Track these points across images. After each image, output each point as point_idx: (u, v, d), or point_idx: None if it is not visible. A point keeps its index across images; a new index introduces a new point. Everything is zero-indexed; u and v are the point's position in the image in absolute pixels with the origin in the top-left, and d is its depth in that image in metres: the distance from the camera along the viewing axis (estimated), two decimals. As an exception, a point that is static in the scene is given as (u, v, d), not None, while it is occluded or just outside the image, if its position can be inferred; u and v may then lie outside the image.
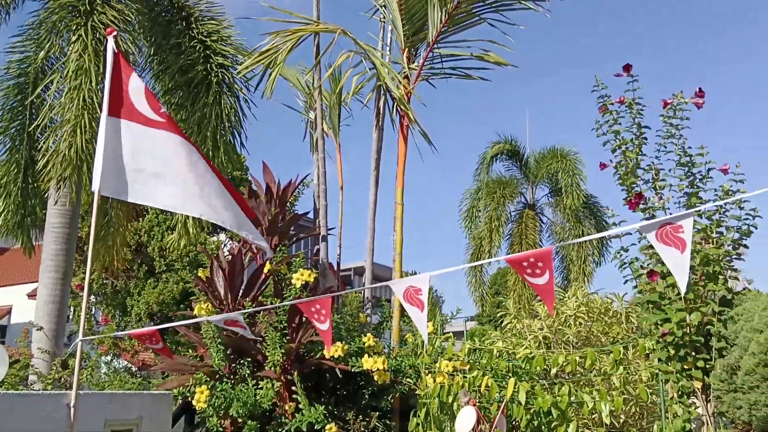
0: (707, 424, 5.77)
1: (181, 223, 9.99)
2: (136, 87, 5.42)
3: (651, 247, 6.22)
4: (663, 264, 6.12)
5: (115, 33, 5.73)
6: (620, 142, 6.37)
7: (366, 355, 6.99)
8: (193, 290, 14.88)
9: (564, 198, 19.98)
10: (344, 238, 9.76)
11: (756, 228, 6.02)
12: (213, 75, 9.30)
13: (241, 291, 7.43)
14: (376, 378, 6.99)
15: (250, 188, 8.15)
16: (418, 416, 7.00)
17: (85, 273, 15.65)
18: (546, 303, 4.39)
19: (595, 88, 6.42)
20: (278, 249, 7.94)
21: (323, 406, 6.69)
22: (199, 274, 7.68)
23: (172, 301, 18.79)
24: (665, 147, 6.20)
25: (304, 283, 7.09)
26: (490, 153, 20.81)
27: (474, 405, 6.26)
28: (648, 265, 6.13)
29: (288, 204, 8.70)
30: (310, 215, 9.22)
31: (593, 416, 6.66)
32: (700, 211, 5.88)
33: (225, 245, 18.29)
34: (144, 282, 18.59)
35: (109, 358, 15.30)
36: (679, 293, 6.03)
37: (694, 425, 5.87)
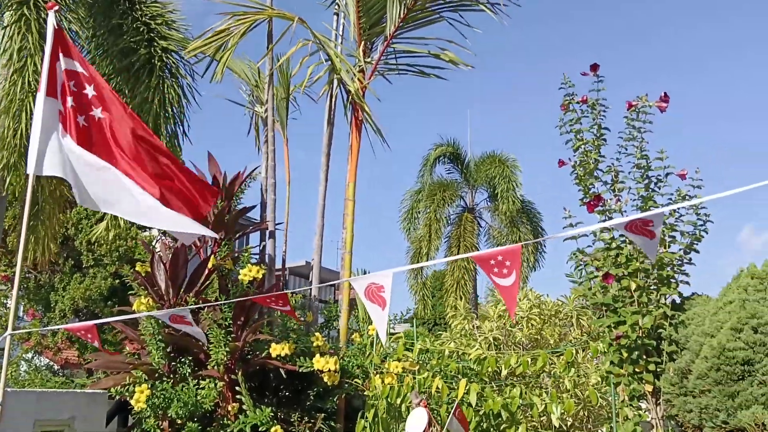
0: (657, 428, 5.81)
1: (110, 215, 9.52)
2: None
3: (607, 249, 6.25)
4: (618, 267, 6.17)
5: (56, 8, 5.42)
6: (581, 142, 6.37)
7: (318, 355, 6.76)
8: (123, 286, 14.30)
9: (500, 203, 20.24)
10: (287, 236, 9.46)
11: (707, 233, 6.12)
12: (157, 59, 8.88)
13: (183, 286, 7.08)
14: (326, 379, 6.77)
15: (194, 179, 7.74)
16: (366, 418, 6.82)
17: (6, 265, 14.75)
18: (508, 306, 4.31)
19: (562, 85, 6.41)
20: (223, 244, 7.62)
21: (269, 408, 6.43)
22: (138, 269, 7.28)
23: (99, 297, 17.98)
24: (626, 149, 6.25)
25: (252, 279, 6.81)
26: (433, 155, 20.87)
27: (425, 407, 6.13)
28: (603, 268, 6.14)
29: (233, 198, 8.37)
30: (254, 212, 8.90)
31: (542, 418, 6.63)
32: (665, 213, 5.93)
33: (157, 240, 17.63)
34: (69, 277, 17.72)
35: (30, 355, 14.49)
36: (632, 297, 6.08)
37: (642, 428, 5.90)
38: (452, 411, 5.98)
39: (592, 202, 6.00)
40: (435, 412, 6.65)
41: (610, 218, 6.08)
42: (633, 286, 5.94)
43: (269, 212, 8.19)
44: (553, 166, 6.56)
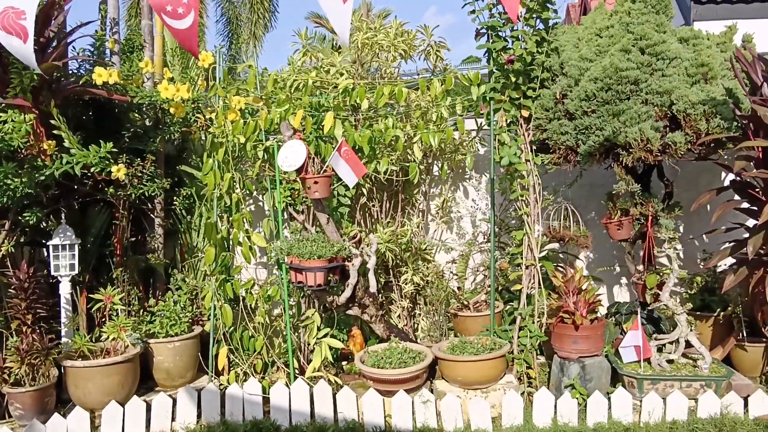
0: (526, 151, 5.94)
1: None
2: None
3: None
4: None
5: None
6: None
7: (165, 81, 5.50)
8: None
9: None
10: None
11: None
12: None
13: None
14: (173, 111, 5.62)
15: None
16: (214, 157, 5.94)
17: None
18: (509, 9, 3.77)
19: None
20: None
21: (110, 143, 5.19)
22: None
23: None
24: None
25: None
26: None
27: (300, 138, 5.49)
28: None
29: None
30: None
31: (402, 152, 6.42)
32: None
33: None
34: None
35: None
36: (511, 23, 5.84)
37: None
38: (336, 147, 5.45)
39: None
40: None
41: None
42: (520, 8, 5.69)
43: None
44: None
